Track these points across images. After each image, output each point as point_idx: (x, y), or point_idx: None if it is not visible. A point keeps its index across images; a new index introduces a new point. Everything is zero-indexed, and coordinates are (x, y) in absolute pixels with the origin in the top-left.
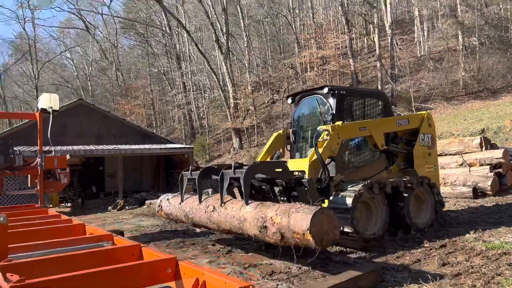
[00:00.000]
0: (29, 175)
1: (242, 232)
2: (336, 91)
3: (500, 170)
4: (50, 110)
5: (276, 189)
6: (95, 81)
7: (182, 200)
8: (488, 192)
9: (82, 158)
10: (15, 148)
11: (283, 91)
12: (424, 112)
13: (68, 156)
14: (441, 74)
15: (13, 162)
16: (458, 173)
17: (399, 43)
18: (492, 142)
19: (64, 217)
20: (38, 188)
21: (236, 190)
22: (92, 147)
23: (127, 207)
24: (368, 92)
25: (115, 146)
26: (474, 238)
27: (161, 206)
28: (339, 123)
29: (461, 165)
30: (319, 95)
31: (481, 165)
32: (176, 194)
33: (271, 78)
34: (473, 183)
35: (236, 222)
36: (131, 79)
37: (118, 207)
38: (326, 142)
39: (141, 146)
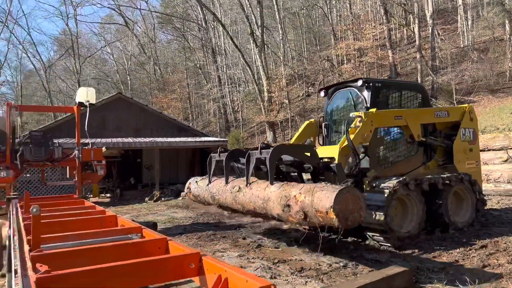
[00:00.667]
0: (67, 167)
1: (266, 212)
2: (370, 84)
3: None
4: (87, 103)
5: (305, 177)
6: (134, 76)
7: (209, 182)
8: None
9: (121, 150)
10: (55, 141)
11: (318, 84)
12: (466, 105)
13: (104, 149)
14: (486, 65)
15: (52, 154)
16: (503, 169)
17: (440, 34)
18: None
19: (98, 208)
20: (76, 179)
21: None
22: (130, 139)
23: (163, 199)
24: (405, 84)
25: (152, 139)
26: None
27: (190, 188)
28: (373, 110)
29: (505, 161)
30: (353, 88)
31: None
32: (204, 176)
33: (306, 71)
34: None
35: (260, 202)
36: (168, 73)
37: (155, 198)
38: (358, 129)
39: (177, 139)
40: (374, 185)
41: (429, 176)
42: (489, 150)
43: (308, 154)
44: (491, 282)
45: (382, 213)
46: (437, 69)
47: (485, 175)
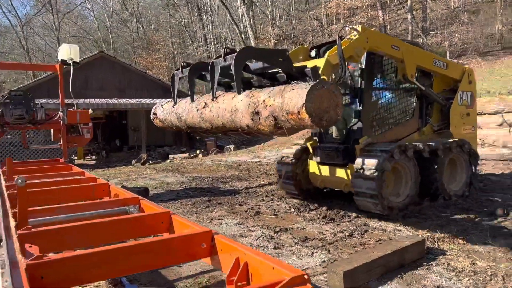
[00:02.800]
0: (52, 130)
1: (235, 126)
2: None
3: None
4: (70, 61)
5: None
6: (116, 34)
7: (175, 103)
8: None
9: (105, 111)
10: (37, 101)
11: (307, 45)
12: (466, 66)
13: (90, 111)
14: (476, 27)
15: (35, 115)
16: (497, 133)
17: None
18: None
19: (88, 175)
20: (62, 143)
21: None
22: (115, 100)
23: (150, 161)
24: None
25: (138, 100)
26: None
27: (156, 114)
28: (371, 28)
29: (500, 125)
30: None
31: None
32: (170, 99)
33: (295, 30)
34: None
35: (228, 115)
36: (152, 31)
37: (142, 161)
38: (351, 41)
39: (164, 100)
40: (366, 151)
41: (426, 143)
42: (484, 114)
43: (281, 59)
44: (505, 253)
45: (374, 182)
46: (428, 30)
47: (480, 139)
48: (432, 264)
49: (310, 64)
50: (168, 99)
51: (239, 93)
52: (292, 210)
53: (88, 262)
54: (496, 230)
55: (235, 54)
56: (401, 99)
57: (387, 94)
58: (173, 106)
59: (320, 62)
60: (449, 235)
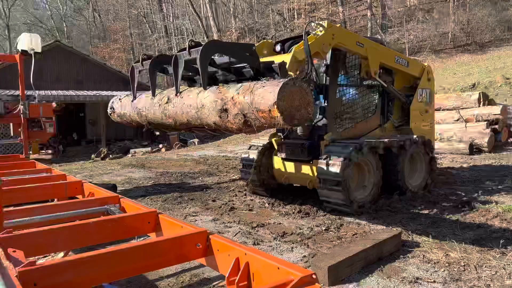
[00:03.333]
0: (11, 124)
1: (201, 123)
2: None
3: (496, 126)
4: (32, 52)
5: None
6: (71, 22)
7: (134, 97)
8: (484, 148)
9: (61, 103)
10: None
11: (270, 39)
12: (425, 63)
13: (54, 104)
14: (430, 25)
15: None
16: (455, 128)
17: None
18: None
19: (56, 171)
20: (22, 137)
21: None
22: (72, 92)
23: (111, 156)
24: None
25: (97, 92)
26: (485, 200)
27: (113, 108)
28: (337, 25)
29: (457, 120)
30: None
31: (478, 121)
32: (128, 93)
33: (257, 24)
34: (469, 139)
35: (194, 111)
36: (110, 21)
37: (102, 155)
38: (317, 36)
39: (124, 93)
40: (330, 150)
41: (389, 139)
42: (442, 109)
43: (248, 54)
44: (474, 244)
45: (340, 169)
46: (386, 27)
47: (439, 134)
48: (408, 257)
49: (277, 59)
50: (127, 93)
51: (205, 88)
52: (267, 205)
53: (81, 268)
54: (463, 223)
55: (201, 47)
56: (364, 96)
57: (351, 90)
58: (132, 101)
59: (287, 58)
60: (420, 228)
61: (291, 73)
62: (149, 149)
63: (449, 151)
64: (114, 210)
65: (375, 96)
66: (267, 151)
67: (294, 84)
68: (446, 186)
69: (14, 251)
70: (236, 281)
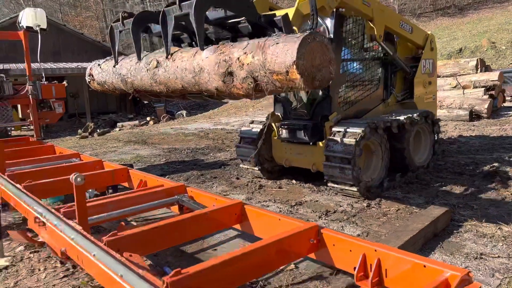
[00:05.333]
0: (19, 105)
1: (199, 89)
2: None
3: (493, 92)
4: (37, 28)
5: None
6: None
7: (116, 62)
8: (483, 114)
9: (40, 76)
10: None
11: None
12: (428, 32)
13: (65, 83)
14: None
15: (1, 90)
16: (453, 95)
17: None
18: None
19: (85, 156)
20: (32, 119)
21: None
22: (52, 65)
23: (98, 130)
24: None
25: (78, 64)
26: (509, 169)
27: (92, 75)
28: None
29: (454, 87)
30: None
31: (475, 87)
32: (109, 57)
33: None
34: (469, 105)
35: (190, 76)
36: None
37: (89, 130)
38: None
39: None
40: (337, 130)
41: (397, 117)
42: (439, 76)
43: (246, 6)
44: None
45: (348, 166)
46: None
47: (439, 101)
48: (461, 232)
49: (279, 12)
50: (106, 57)
51: (202, 49)
52: (294, 181)
53: (223, 271)
54: (500, 194)
55: (194, 0)
56: (368, 70)
57: (355, 65)
58: (114, 66)
59: (290, 11)
60: (461, 201)
61: (294, 28)
62: (136, 122)
63: (449, 118)
64: (186, 201)
65: (378, 69)
66: (266, 130)
67: (314, 38)
68: (461, 156)
69: (131, 255)
70: (370, 277)
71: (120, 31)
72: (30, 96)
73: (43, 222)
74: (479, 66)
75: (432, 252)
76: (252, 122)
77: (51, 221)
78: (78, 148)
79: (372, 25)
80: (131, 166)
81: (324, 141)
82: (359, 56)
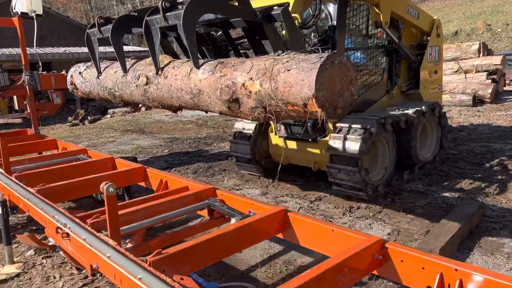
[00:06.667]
0: (15, 96)
1: (200, 109)
2: None
3: (495, 76)
4: (33, 14)
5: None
6: None
7: (99, 73)
8: (486, 99)
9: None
10: None
11: None
12: (435, 17)
13: (64, 73)
14: None
15: None
16: (456, 80)
17: None
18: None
19: (93, 152)
20: (29, 111)
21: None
22: (38, 50)
23: (89, 118)
24: None
25: (66, 49)
26: None
27: (75, 85)
28: None
29: (456, 71)
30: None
31: (477, 71)
32: (89, 64)
33: None
34: (472, 90)
35: (188, 97)
36: None
37: (80, 117)
38: None
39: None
40: (341, 126)
41: (403, 112)
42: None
43: (239, 4)
44: None
45: (355, 167)
46: None
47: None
48: (496, 228)
49: (276, 0)
50: (87, 63)
51: (197, 67)
52: (307, 173)
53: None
54: None
55: (183, 10)
56: (372, 59)
57: (359, 54)
58: (97, 77)
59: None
60: (489, 194)
61: (296, 15)
62: (127, 108)
63: (452, 103)
64: (218, 206)
65: (382, 58)
66: (263, 125)
67: (333, 62)
68: (474, 144)
69: (182, 279)
70: None
71: (99, 39)
72: (27, 86)
73: (66, 233)
74: (481, 50)
75: (471, 253)
76: None
77: (78, 234)
78: (73, 138)
79: (378, 11)
80: (135, 159)
81: (326, 137)
82: (363, 45)
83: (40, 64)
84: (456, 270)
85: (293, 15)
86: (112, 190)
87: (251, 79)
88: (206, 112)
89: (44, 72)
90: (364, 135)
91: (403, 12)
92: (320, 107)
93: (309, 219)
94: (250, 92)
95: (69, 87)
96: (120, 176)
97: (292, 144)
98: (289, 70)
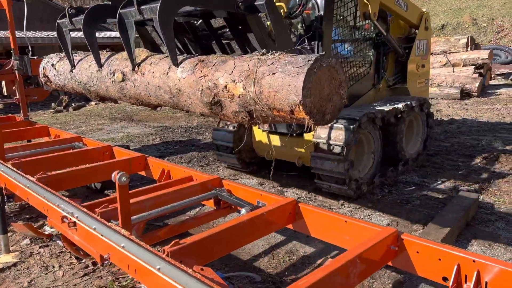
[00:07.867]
0: (3, 81)
1: (181, 109)
2: None
3: (481, 70)
4: None
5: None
6: None
7: (73, 66)
8: (473, 93)
9: (5, 46)
10: None
11: None
12: (423, 10)
13: None
14: None
15: None
16: (444, 73)
17: None
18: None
19: (88, 140)
20: (18, 97)
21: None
22: (20, 34)
23: (73, 104)
24: None
25: (48, 33)
26: None
27: (48, 77)
28: None
29: (444, 64)
30: None
31: (465, 65)
32: (62, 55)
33: None
34: (460, 84)
35: (167, 96)
36: None
37: (64, 104)
38: None
39: (77, 34)
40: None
41: (392, 107)
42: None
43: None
44: None
45: (341, 161)
46: None
47: (430, 79)
48: (492, 220)
49: None
50: (60, 54)
51: (176, 65)
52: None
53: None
54: None
55: (159, 4)
56: (359, 51)
57: (347, 46)
58: (71, 71)
59: None
60: (483, 186)
61: (281, 4)
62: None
63: (441, 96)
64: (226, 196)
65: (369, 51)
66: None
67: (321, 65)
68: (464, 136)
69: (202, 269)
70: None
71: (71, 30)
72: (17, 71)
73: (73, 222)
74: (469, 44)
75: (470, 244)
76: None
77: (86, 223)
78: (60, 125)
79: (366, 2)
80: (127, 147)
81: (310, 132)
82: (350, 37)
83: (30, 49)
84: (474, 261)
85: (278, 4)
86: (125, 179)
87: (234, 81)
88: (187, 112)
89: (35, 57)
90: (353, 125)
91: (392, 4)
92: (308, 114)
93: (321, 210)
94: (233, 95)
95: (41, 80)
96: (121, 165)
97: (275, 139)
98: (274, 74)
